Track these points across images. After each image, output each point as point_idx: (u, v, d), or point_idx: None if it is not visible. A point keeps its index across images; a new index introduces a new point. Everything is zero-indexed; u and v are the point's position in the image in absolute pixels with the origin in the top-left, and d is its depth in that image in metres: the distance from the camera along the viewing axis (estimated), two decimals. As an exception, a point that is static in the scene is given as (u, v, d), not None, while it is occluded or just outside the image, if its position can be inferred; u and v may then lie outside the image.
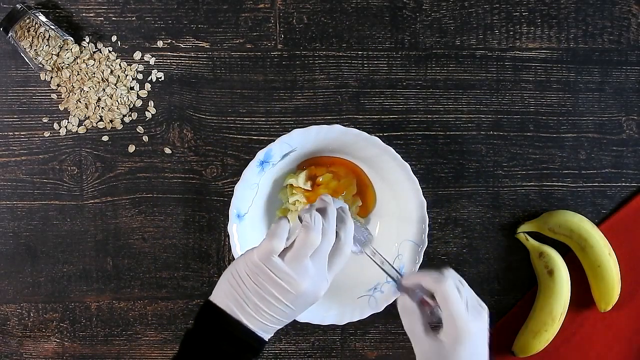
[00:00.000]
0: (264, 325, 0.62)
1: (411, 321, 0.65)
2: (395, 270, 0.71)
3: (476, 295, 0.67)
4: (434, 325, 0.65)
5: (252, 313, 0.61)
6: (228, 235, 0.84)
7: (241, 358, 0.62)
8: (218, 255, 0.86)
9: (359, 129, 0.76)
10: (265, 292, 0.61)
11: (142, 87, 0.85)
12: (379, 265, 0.71)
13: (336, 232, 0.65)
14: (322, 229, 0.62)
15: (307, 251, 0.61)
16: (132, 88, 0.85)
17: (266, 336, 0.63)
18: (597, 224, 0.85)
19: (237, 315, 0.61)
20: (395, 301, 0.78)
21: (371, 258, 0.72)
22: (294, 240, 0.62)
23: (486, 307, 0.67)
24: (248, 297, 0.61)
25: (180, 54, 0.85)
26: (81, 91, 0.84)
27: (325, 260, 0.63)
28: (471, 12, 0.85)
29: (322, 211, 0.64)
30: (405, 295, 0.67)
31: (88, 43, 0.84)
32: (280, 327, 0.64)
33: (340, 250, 0.65)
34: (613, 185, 0.87)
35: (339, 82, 0.85)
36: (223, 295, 0.62)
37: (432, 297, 0.66)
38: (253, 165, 0.76)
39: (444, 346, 0.63)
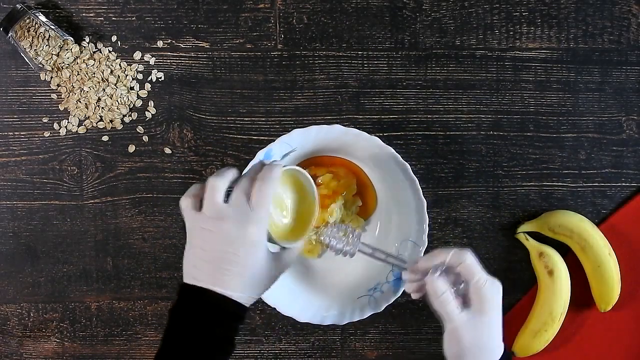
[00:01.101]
0: (223, 281, 0.62)
1: (444, 301, 0.66)
2: (400, 259, 0.70)
3: None
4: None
5: (206, 272, 0.62)
6: (228, 235, 0.84)
7: (222, 324, 0.62)
8: (218, 255, 0.86)
9: (359, 129, 0.76)
10: (200, 247, 0.63)
11: (142, 87, 0.85)
12: (383, 260, 0.70)
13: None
14: (224, 172, 0.65)
15: (214, 194, 0.63)
16: (132, 88, 0.85)
17: (233, 295, 0.62)
18: (597, 224, 0.85)
19: (198, 282, 0.62)
20: (395, 301, 0.79)
21: (373, 257, 0.71)
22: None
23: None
24: (197, 259, 0.63)
25: (180, 54, 0.85)
26: (81, 91, 0.84)
27: (240, 197, 0.63)
28: (471, 12, 0.85)
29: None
30: (438, 278, 0.66)
31: (88, 43, 0.84)
32: (246, 280, 0.63)
33: (261, 180, 0.65)
34: (613, 185, 0.87)
35: (339, 82, 0.85)
36: (185, 271, 0.64)
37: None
38: (253, 165, 0.76)
39: (475, 317, 0.65)
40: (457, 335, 0.65)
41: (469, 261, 0.65)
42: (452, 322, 0.65)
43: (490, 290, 0.65)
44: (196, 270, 0.63)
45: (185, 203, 0.64)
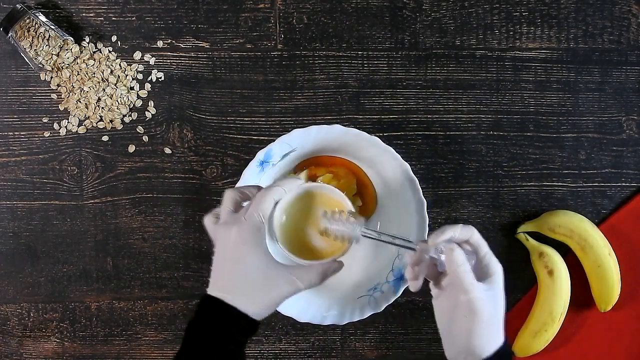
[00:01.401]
0: (216, 283, 0.64)
1: (466, 270, 0.65)
2: (407, 239, 0.69)
3: None
4: (440, 275, 0.67)
5: (212, 277, 0.65)
6: (228, 235, 0.84)
7: (220, 326, 0.63)
8: (218, 255, 0.86)
9: (359, 129, 0.76)
10: (215, 255, 0.66)
11: (142, 87, 0.85)
12: (390, 243, 0.69)
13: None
14: (240, 185, 0.72)
15: (224, 202, 0.67)
16: (132, 88, 0.85)
17: (225, 297, 0.63)
18: (597, 224, 0.85)
19: (208, 290, 0.64)
20: (395, 301, 0.79)
21: (379, 240, 0.69)
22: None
23: None
24: (212, 267, 0.66)
25: (180, 54, 0.85)
26: (81, 91, 0.84)
27: (245, 205, 0.67)
28: (471, 12, 0.85)
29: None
30: (457, 247, 0.66)
31: (88, 43, 0.84)
32: (232, 281, 0.63)
33: (266, 188, 0.67)
34: (613, 185, 0.87)
35: (339, 82, 0.85)
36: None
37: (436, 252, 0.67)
38: (253, 165, 0.76)
39: (490, 289, 0.65)
40: (474, 307, 0.63)
41: (476, 236, 0.67)
42: (469, 294, 0.63)
43: (498, 264, 0.66)
44: (209, 278, 0.65)
45: (207, 219, 0.67)
